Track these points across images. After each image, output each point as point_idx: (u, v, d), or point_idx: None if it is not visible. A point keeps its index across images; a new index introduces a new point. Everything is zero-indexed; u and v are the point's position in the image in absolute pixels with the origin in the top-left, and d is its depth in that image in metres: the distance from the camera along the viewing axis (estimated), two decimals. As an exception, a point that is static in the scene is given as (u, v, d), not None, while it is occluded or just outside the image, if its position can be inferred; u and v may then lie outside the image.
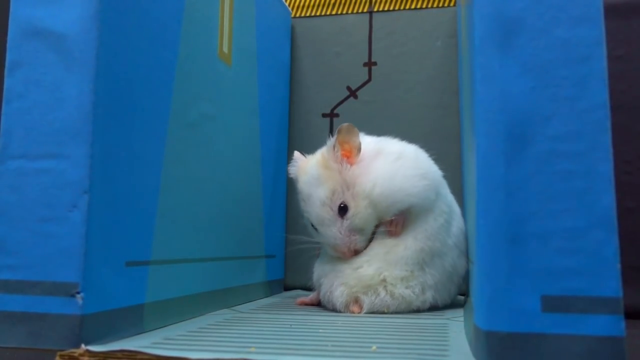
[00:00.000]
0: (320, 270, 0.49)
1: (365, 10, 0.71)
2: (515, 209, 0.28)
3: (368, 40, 0.70)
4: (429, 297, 0.47)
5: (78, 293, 0.31)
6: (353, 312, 0.46)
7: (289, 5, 0.73)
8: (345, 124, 0.48)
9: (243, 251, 0.55)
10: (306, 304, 0.52)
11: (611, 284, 0.27)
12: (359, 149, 0.48)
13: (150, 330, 0.37)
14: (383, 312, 0.46)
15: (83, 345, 0.30)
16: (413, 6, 0.69)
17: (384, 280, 0.46)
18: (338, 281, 0.47)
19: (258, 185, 0.59)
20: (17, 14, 0.34)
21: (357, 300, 0.46)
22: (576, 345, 0.27)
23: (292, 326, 0.40)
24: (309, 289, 0.56)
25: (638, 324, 0.48)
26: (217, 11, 0.49)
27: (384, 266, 0.46)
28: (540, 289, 0.28)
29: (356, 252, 0.47)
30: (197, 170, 0.45)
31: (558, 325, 0.27)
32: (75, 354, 0.30)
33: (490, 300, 0.28)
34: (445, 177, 0.52)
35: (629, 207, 0.62)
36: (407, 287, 0.46)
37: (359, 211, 0.46)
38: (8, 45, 0.34)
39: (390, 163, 0.47)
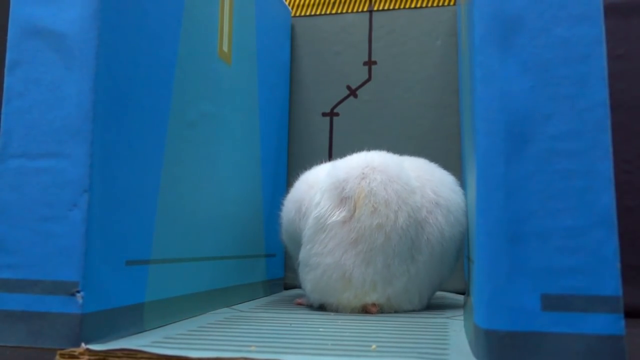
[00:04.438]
0: (318, 294, 0.47)
1: (365, 9, 0.71)
2: (515, 207, 0.28)
3: (368, 39, 0.70)
4: (425, 293, 0.48)
5: (78, 292, 0.31)
6: (369, 312, 0.46)
7: (289, 4, 0.73)
8: None
9: (243, 250, 0.55)
10: (304, 305, 0.52)
11: (611, 283, 0.27)
12: None
13: (150, 329, 0.38)
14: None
15: (83, 344, 0.30)
16: (413, 5, 0.69)
17: (389, 299, 0.46)
18: (343, 305, 0.46)
19: (258, 184, 0.59)
20: (17, 13, 0.34)
21: (373, 303, 0.46)
22: (576, 344, 0.27)
23: (292, 325, 0.40)
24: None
25: (638, 323, 0.48)
26: (217, 10, 0.49)
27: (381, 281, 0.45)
28: (540, 287, 0.28)
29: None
30: (197, 169, 0.45)
31: (558, 324, 0.27)
32: (76, 353, 0.30)
33: (490, 299, 0.28)
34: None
35: (628, 206, 0.62)
36: (409, 302, 0.46)
37: None
38: (8, 44, 0.34)
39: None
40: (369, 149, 0.50)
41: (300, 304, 0.52)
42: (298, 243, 0.49)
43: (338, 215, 0.44)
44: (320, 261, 0.45)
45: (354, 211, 0.44)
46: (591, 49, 0.29)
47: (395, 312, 0.46)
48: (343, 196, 0.44)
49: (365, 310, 0.46)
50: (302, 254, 0.47)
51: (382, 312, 0.46)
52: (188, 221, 0.44)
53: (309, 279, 0.47)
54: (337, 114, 0.70)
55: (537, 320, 0.27)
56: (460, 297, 0.59)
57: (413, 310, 0.47)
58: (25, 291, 0.32)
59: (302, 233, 0.47)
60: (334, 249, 0.44)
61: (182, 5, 0.43)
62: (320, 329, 0.38)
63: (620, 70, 0.64)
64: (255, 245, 0.58)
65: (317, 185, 0.47)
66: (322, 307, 0.49)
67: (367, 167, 0.45)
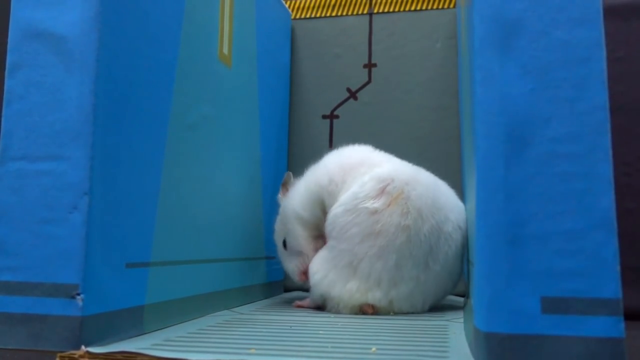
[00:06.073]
0: (323, 291, 0.48)
1: (365, 12, 0.71)
2: (515, 210, 0.28)
3: (368, 42, 0.70)
4: (428, 301, 0.48)
5: (78, 294, 0.31)
6: (366, 312, 0.46)
7: (289, 7, 0.73)
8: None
9: (243, 252, 0.55)
10: (303, 307, 0.52)
11: (611, 286, 0.27)
12: (289, 183, 0.56)
13: (150, 332, 0.38)
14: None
15: (83, 347, 0.30)
16: (413, 8, 0.70)
17: (391, 302, 0.46)
18: (344, 298, 0.47)
19: (258, 186, 0.59)
20: (18, 15, 0.34)
21: (369, 305, 0.46)
22: (576, 347, 0.27)
23: (292, 327, 0.40)
24: (308, 290, 0.56)
25: (637, 325, 0.48)
26: (217, 13, 0.49)
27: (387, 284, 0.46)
28: (540, 290, 0.28)
29: (305, 274, 0.51)
30: (197, 172, 0.45)
31: (558, 326, 0.27)
32: (76, 356, 0.30)
33: (490, 301, 0.28)
34: (445, 178, 0.52)
35: (628, 209, 0.62)
36: (411, 306, 0.47)
37: (289, 231, 0.52)
38: (9, 46, 0.34)
39: (299, 184, 0.54)
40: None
41: (300, 307, 0.52)
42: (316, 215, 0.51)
43: (373, 203, 0.46)
44: (335, 245, 0.47)
45: (389, 205, 0.46)
46: (591, 52, 0.29)
47: (395, 314, 0.47)
48: (386, 190, 0.46)
49: (362, 311, 0.46)
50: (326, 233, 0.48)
51: (382, 314, 0.46)
52: (188, 224, 0.44)
53: (319, 256, 0.48)
54: (337, 117, 0.70)
55: (537, 322, 0.27)
56: (460, 300, 0.59)
57: (413, 313, 0.47)
58: (26, 294, 0.32)
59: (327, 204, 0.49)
60: (352, 236, 0.46)
61: (183, 8, 0.43)
62: (320, 332, 0.38)
63: (620, 72, 0.64)
64: (255, 248, 0.58)
65: (353, 171, 0.49)
66: (321, 308, 0.49)
67: (413, 178, 0.47)
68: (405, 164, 0.51)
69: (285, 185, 0.57)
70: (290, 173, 0.58)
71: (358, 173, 0.49)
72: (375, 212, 0.45)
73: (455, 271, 0.49)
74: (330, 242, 0.48)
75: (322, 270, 0.48)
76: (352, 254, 0.46)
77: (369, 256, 0.45)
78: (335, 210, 0.47)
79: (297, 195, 0.53)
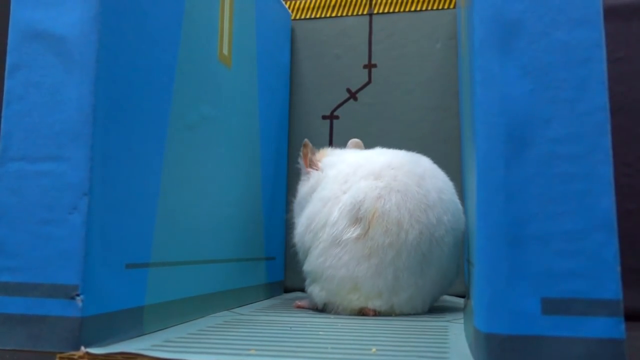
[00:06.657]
0: (323, 296, 0.48)
1: (365, 12, 0.71)
2: (515, 211, 0.28)
3: (368, 43, 0.70)
4: (428, 301, 0.49)
5: (78, 295, 0.31)
6: (367, 314, 0.46)
7: (289, 7, 0.73)
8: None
9: (243, 253, 0.55)
10: (303, 308, 0.52)
11: (611, 286, 0.27)
12: (311, 161, 0.54)
13: (150, 333, 0.37)
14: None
15: (83, 348, 0.30)
16: (413, 8, 0.70)
17: (392, 307, 0.47)
18: (344, 305, 0.47)
19: (258, 187, 0.59)
20: (18, 16, 0.34)
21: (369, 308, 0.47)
22: (576, 348, 0.27)
23: (292, 328, 0.40)
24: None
25: (638, 326, 0.48)
26: (217, 13, 0.49)
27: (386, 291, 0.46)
28: (540, 291, 0.28)
29: None
30: (197, 172, 0.45)
31: (558, 327, 0.27)
32: (75, 357, 0.30)
33: (490, 302, 0.28)
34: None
35: (628, 209, 0.62)
36: (412, 308, 0.47)
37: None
38: (8, 47, 0.34)
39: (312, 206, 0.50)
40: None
41: (300, 307, 0.52)
42: (305, 253, 0.50)
43: (352, 232, 0.46)
44: (335, 274, 0.46)
45: (368, 229, 0.45)
46: (591, 53, 0.29)
47: (397, 315, 0.47)
48: (358, 216, 0.46)
49: (362, 312, 0.46)
50: (314, 266, 0.48)
51: (384, 316, 0.46)
52: (188, 224, 0.44)
53: (321, 287, 0.48)
54: (337, 117, 0.70)
55: (537, 323, 0.27)
56: (461, 300, 0.59)
57: (415, 314, 0.47)
58: (25, 294, 0.32)
59: (310, 245, 0.49)
60: (348, 262, 0.46)
61: (183, 9, 0.43)
62: (320, 332, 0.38)
63: (620, 73, 0.64)
64: (255, 248, 0.58)
65: (331, 202, 0.48)
66: (322, 310, 0.49)
67: (385, 187, 0.46)
68: (374, 157, 0.50)
69: (308, 157, 0.54)
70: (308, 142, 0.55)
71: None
72: (359, 238, 0.46)
73: (450, 270, 0.49)
74: (329, 272, 0.47)
75: (327, 295, 0.48)
76: (354, 278, 0.46)
77: (369, 276, 0.45)
78: (321, 246, 0.47)
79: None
